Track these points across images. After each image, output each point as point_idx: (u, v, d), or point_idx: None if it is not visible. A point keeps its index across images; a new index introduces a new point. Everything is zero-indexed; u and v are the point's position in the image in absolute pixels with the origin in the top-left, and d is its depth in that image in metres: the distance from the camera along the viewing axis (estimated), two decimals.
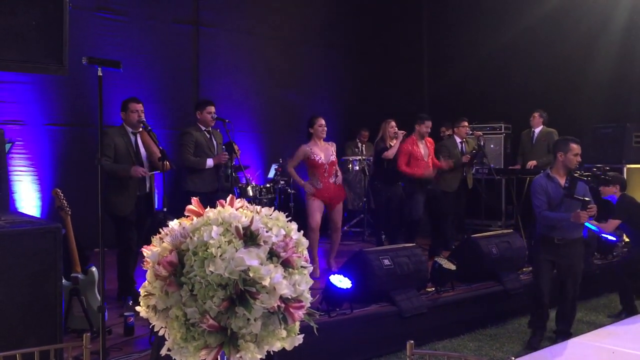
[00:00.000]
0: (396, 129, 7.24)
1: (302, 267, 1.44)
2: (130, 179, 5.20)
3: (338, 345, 4.63)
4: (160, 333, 1.46)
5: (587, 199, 4.75)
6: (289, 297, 1.36)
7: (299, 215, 6.12)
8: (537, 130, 8.13)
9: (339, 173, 6.57)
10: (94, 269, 4.46)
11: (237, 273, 1.31)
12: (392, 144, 7.11)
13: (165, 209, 5.31)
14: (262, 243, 1.39)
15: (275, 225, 1.44)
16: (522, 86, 9.34)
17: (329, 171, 6.31)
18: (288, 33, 10.02)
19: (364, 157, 9.20)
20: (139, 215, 5.37)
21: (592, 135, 8.24)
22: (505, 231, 6.78)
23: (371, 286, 5.07)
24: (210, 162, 5.93)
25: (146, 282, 1.46)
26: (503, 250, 6.10)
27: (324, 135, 6.32)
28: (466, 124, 7.92)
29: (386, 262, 5.19)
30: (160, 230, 1.52)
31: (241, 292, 1.31)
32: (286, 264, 1.40)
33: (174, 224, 1.51)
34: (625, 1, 8.45)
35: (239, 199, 1.54)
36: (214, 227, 1.37)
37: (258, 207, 1.53)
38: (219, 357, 1.33)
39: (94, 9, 7.86)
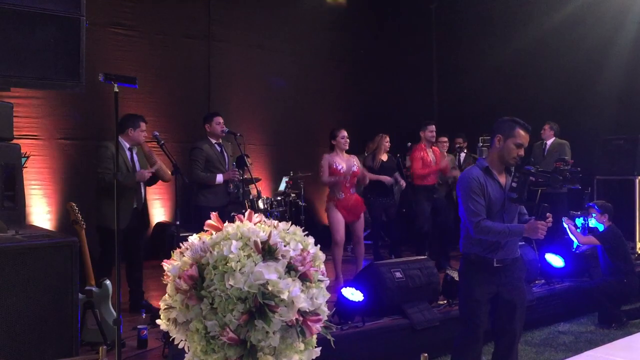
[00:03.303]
0: (389, 144, 7.40)
1: (319, 280, 1.47)
2: (126, 192, 5.18)
3: (350, 358, 4.62)
4: (180, 346, 1.48)
5: (545, 205, 3.51)
6: (307, 310, 1.38)
7: (310, 228, 6.13)
8: (549, 142, 8.11)
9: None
10: (108, 282, 4.50)
11: (256, 287, 1.33)
12: (384, 159, 7.24)
13: (177, 222, 5.36)
14: (280, 257, 1.41)
15: (293, 239, 1.46)
16: (532, 97, 9.34)
17: (350, 182, 6.33)
18: (298, 47, 10.10)
19: None
20: (132, 230, 5.35)
21: (603, 147, 8.21)
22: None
23: (383, 299, 5.06)
24: (220, 179, 5.93)
25: (166, 295, 1.49)
26: None
27: (347, 147, 6.37)
28: (444, 139, 8.08)
29: (398, 274, 5.19)
30: (181, 244, 1.55)
31: (260, 305, 1.34)
32: (304, 278, 1.43)
33: (193, 238, 1.54)
34: (635, 12, 8.45)
35: (257, 214, 1.56)
36: (234, 242, 1.40)
37: (275, 222, 1.56)
38: None
39: (106, 24, 7.97)
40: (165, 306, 1.48)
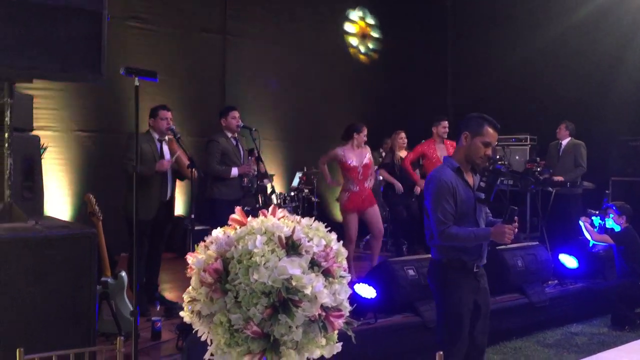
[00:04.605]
0: (405, 140, 7.37)
1: (341, 276, 1.48)
2: (153, 184, 5.23)
3: (362, 355, 4.64)
4: (203, 338, 1.50)
5: (514, 207, 3.26)
6: (329, 306, 1.40)
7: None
8: (564, 142, 8.05)
9: (372, 178, 6.59)
10: (123, 274, 4.54)
11: (280, 281, 1.35)
12: (403, 155, 7.22)
13: (192, 216, 5.40)
14: (303, 253, 1.43)
15: (316, 235, 1.48)
16: (548, 97, 9.30)
17: (363, 174, 6.32)
18: (313, 43, 10.11)
19: None
20: (158, 222, 5.40)
21: (619, 148, 8.15)
22: (531, 243, 6.73)
23: (396, 296, 5.08)
24: (235, 172, 5.96)
25: (190, 288, 1.51)
26: (528, 262, 6.06)
27: (363, 145, 6.39)
28: None
29: (411, 272, 5.20)
30: (205, 238, 1.57)
31: (284, 300, 1.35)
32: (326, 274, 1.44)
33: (218, 232, 1.56)
34: None
35: (280, 210, 1.58)
36: (258, 237, 1.42)
37: (298, 217, 1.57)
38: None
39: (123, 18, 8.01)
40: (189, 298, 1.50)
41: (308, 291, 1.36)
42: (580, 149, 7.85)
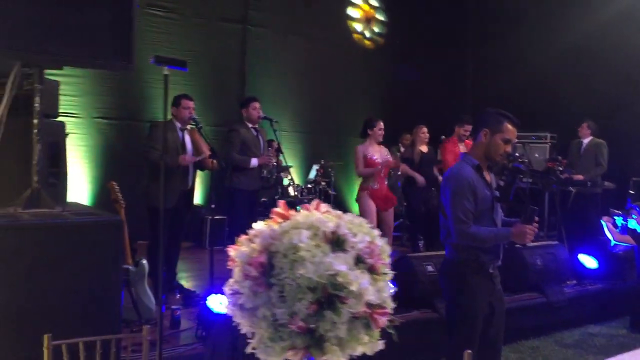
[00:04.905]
0: (427, 134, 7.35)
1: (384, 273, 1.46)
2: (175, 173, 5.24)
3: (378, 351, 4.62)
4: (243, 331, 1.49)
5: (534, 207, 3.20)
6: (374, 303, 1.38)
7: None
8: (586, 141, 7.96)
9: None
10: (144, 261, 4.57)
11: (326, 277, 1.34)
12: (424, 150, 7.19)
13: (213, 206, 5.41)
14: (349, 249, 1.41)
15: (360, 231, 1.46)
16: (571, 95, 9.21)
17: (384, 172, 6.33)
18: (333, 36, 10.06)
19: None
20: (178, 211, 5.41)
21: None
22: (550, 242, 6.67)
23: (414, 292, 5.05)
24: (254, 162, 5.96)
25: (232, 280, 1.50)
26: (547, 261, 6.01)
27: (382, 139, 6.35)
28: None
29: (429, 268, 5.17)
30: (248, 231, 1.55)
31: (329, 296, 1.34)
32: (371, 270, 1.43)
33: (261, 225, 1.55)
34: None
35: (324, 205, 1.57)
36: (304, 231, 1.40)
37: (339, 212, 1.56)
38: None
39: (144, 5, 8.00)
40: (231, 291, 1.49)
41: (354, 288, 1.35)
42: (602, 148, 7.77)
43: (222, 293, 4.47)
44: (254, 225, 1.56)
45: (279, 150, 6.28)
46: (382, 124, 6.34)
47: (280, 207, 1.54)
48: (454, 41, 11.13)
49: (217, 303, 4.40)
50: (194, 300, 5.27)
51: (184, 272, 6.36)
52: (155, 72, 6.29)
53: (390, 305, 1.44)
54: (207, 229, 7.89)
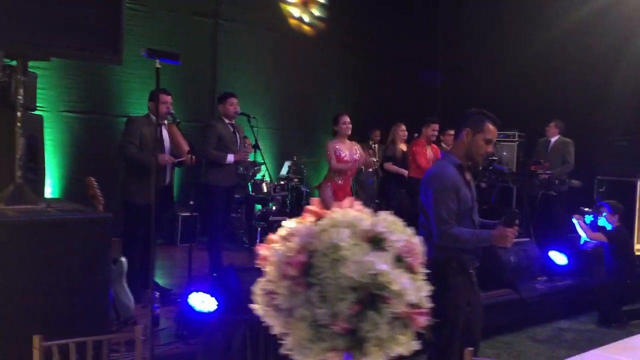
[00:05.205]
0: (406, 132, 7.40)
1: (420, 272, 1.45)
2: (151, 169, 5.12)
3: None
4: (275, 332, 1.45)
5: (515, 210, 3.26)
6: (413, 303, 1.37)
7: None
8: (553, 139, 8.15)
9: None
10: (123, 259, 4.45)
11: (368, 276, 1.31)
12: (403, 148, 7.25)
13: (192, 202, 5.32)
14: (388, 247, 1.39)
15: (396, 229, 1.44)
16: (539, 95, 9.40)
17: (351, 171, 6.31)
18: (308, 32, 10.02)
19: (376, 159, 9.20)
20: (157, 206, 5.29)
21: (607, 148, 8.27)
22: (522, 239, 6.80)
23: None
24: (231, 158, 5.88)
25: (264, 280, 1.46)
26: (520, 258, 6.13)
27: (349, 133, 6.27)
28: (452, 132, 8.04)
29: None
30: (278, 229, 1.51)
31: (371, 295, 1.32)
32: (409, 270, 1.41)
33: (293, 222, 1.51)
34: None
35: (358, 202, 1.54)
36: (344, 230, 1.37)
37: (370, 210, 1.53)
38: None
39: None
40: (264, 292, 1.45)
41: (396, 287, 1.32)
42: (569, 147, 7.97)
43: (203, 291, 4.39)
44: (284, 223, 1.53)
45: (256, 147, 6.21)
46: (347, 118, 6.22)
47: (314, 204, 1.51)
48: (424, 39, 11.23)
49: (199, 301, 4.33)
50: (171, 299, 5.17)
51: (157, 269, 6.24)
52: (126, 66, 6.14)
53: (427, 305, 1.42)
54: (179, 226, 7.80)
